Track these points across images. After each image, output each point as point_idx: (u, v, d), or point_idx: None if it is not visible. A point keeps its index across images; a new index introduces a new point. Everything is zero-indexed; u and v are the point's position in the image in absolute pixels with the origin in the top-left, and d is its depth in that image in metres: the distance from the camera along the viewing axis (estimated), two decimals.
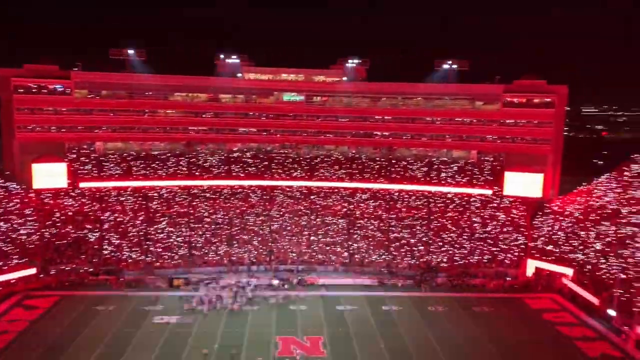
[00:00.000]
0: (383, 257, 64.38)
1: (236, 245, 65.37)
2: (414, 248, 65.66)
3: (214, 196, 70.49)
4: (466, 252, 64.67)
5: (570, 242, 62.28)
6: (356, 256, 64.51)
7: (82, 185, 66.90)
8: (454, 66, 75.61)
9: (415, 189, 72.35)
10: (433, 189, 72.07)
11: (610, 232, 61.19)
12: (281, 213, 69.90)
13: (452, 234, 67.17)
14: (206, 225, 67.29)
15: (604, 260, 57.10)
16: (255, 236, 66.68)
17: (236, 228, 67.56)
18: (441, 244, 65.98)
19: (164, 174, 70.72)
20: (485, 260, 63.44)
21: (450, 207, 70.46)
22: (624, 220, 61.98)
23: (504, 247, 64.69)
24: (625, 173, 69.70)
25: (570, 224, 65.21)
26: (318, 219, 69.25)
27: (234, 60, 75.83)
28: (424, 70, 78.03)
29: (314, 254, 64.71)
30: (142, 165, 70.81)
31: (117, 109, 70.33)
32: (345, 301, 53.93)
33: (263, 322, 48.26)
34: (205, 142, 74.78)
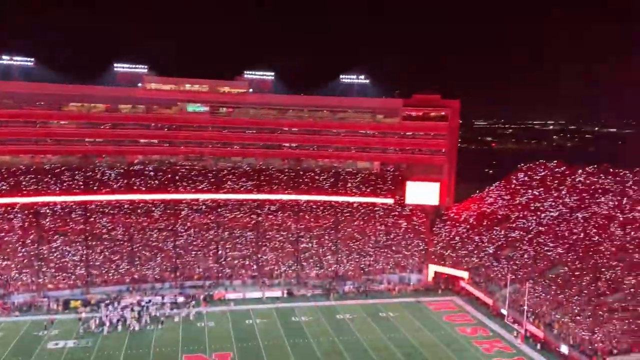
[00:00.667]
0: (292, 268, 64.57)
1: (138, 262, 62.45)
2: (322, 258, 66.52)
3: (113, 211, 66.93)
4: (372, 259, 66.62)
5: (466, 246, 66.35)
6: (265, 268, 64.13)
7: None
8: (359, 79, 78.50)
9: (322, 199, 73.53)
10: (340, 199, 73.66)
11: (501, 236, 66.07)
12: (186, 227, 67.83)
13: (358, 243, 68.92)
14: (105, 243, 63.64)
15: (496, 263, 61.44)
16: (159, 252, 64.11)
17: (138, 244, 64.57)
18: (348, 252, 67.46)
19: (57, 189, 66.10)
20: (390, 267, 65.72)
21: (356, 216, 72.38)
22: (512, 225, 67.24)
23: (407, 253, 67.45)
24: (513, 181, 75.77)
25: (465, 230, 69.53)
26: (225, 233, 68.04)
27: (133, 69, 73.02)
28: (330, 83, 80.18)
29: (222, 268, 63.43)
30: (32, 180, 65.76)
31: (4, 120, 65.09)
32: (255, 315, 53.35)
33: (169, 341, 46.39)
34: (103, 155, 71.06)
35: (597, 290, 49.50)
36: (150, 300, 55.00)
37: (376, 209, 73.50)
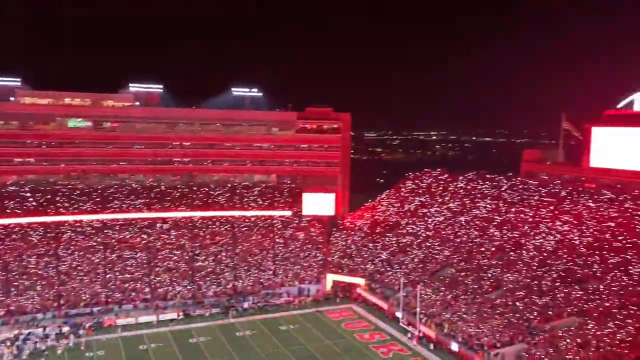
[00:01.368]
0: (188, 287, 62.22)
1: (15, 292, 56.70)
2: (220, 275, 64.86)
3: None
4: (271, 273, 66.18)
5: (362, 254, 68.28)
6: (159, 290, 61.13)
7: None
8: (251, 92, 78.28)
9: (219, 214, 71.98)
10: (236, 213, 72.58)
11: (393, 242, 68.82)
12: (70, 251, 62.90)
13: (257, 257, 68.16)
14: None
15: (389, 268, 63.82)
16: (39, 280, 58.73)
17: (14, 273, 58.69)
18: (247, 268, 66.43)
19: None
20: (289, 279, 65.70)
21: (254, 230, 71.66)
22: (403, 231, 70.36)
23: (305, 264, 67.90)
24: (402, 189, 79.47)
25: (360, 238, 71.59)
26: (114, 255, 64.01)
27: (4, 82, 66.96)
28: (222, 96, 79.19)
29: (111, 293, 59.46)
30: None
31: None
32: (149, 339, 50.57)
33: None
34: None
35: (481, 289, 53.13)
36: (30, 333, 50.12)
37: (274, 221, 73.33)
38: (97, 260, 62.73)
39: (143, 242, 66.62)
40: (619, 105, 63.03)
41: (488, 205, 67.03)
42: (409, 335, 50.56)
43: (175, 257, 65.69)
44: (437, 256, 62.36)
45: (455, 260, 60.13)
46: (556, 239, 56.15)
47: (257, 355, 47.01)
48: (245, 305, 60.15)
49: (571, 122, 71.19)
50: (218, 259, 66.89)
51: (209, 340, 50.82)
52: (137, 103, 73.86)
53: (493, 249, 59.31)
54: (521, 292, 49.84)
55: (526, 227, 60.09)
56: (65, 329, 51.86)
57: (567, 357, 39.03)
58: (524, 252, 56.38)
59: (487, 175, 73.46)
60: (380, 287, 61.61)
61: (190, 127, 75.59)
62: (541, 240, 56.97)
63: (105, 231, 66.24)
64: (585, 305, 44.85)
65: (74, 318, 54.57)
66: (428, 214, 71.06)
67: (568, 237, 55.56)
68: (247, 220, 72.57)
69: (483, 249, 60.03)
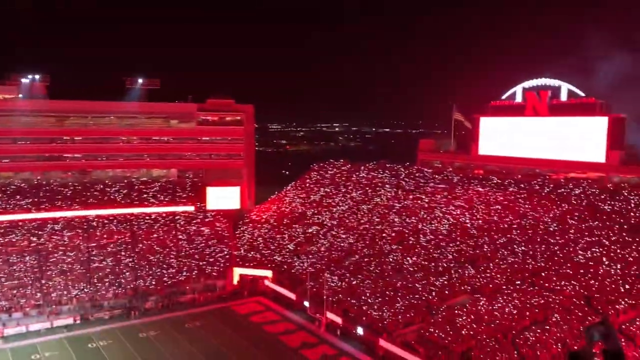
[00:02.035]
0: (85, 290, 58.69)
1: None
2: (119, 276, 61.82)
3: None
4: (174, 270, 64.20)
5: (269, 246, 68.30)
6: (52, 295, 57.07)
7: None
8: (149, 85, 74.86)
9: (116, 212, 68.48)
10: (135, 210, 69.47)
11: (300, 232, 69.56)
12: None
13: (159, 255, 65.75)
14: None
15: (297, 258, 64.46)
16: None
17: None
18: (148, 266, 63.90)
19: None
20: (194, 276, 64.16)
21: (155, 227, 69.04)
22: (309, 221, 71.33)
23: (211, 259, 66.63)
24: (307, 180, 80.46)
25: (267, 230, 71.56)
26: None
27: None
28: (116, 88, 75.14)
29: None
30: None
31: None
32: (43, 348, 47.13)
33: None
34: None
35: (383, 273, 55.32)
36: None
37: (177, 217, 71.13)
38: None
39: (32, 244, 61.77)
40: (503, 97, 68.10)
41: (388, 193, 69.82)
42: (317, 323, 51.50)
43: (70, 259, 61.64)
44: (342, 244, 63.96)
45: (359, 247, 62.03)
46: (450, 222, 59.78)
47: (162, 355, 45.57)
48: (148, 305, 57.93)
49: (462, 113, 75.84)
50: (117, 258, 63.68)
51: (109, 343, 48.38)
52: (21, 95, 68.01)
53: (393, 234, 61.91)
54: (420, 274, 52.56)
55: (423, 213, 63.37)
56: None
57: (462, 332, 41.80)
58: (421, 236, 59.44)
59: (387, 165, 76.46)
60: (287, 278, 62.04)
61: (81, 120, 71.00)
62: (436, 224, 60.38)
63: None
64: (477, 284, 48.25)
65: None
66: (333, 203, 72.59)
67: (460, 220, 59.37)
68: (147, 217, 69.73)
69: (384, 235, 62.46)
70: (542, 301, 42.24)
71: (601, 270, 43.72)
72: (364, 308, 50.04)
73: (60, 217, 65.47)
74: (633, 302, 38.96)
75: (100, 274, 60.98)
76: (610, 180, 56.80)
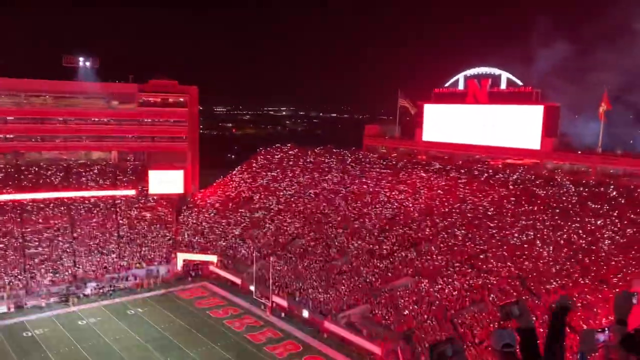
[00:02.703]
0: (19, 277, 56.11)
1: None
2: (57, 262, 59.47)
3: None
4: (115, 256, 62.42)
5: (214, 231, 67.52)
6: None
7: None
8: (86, 63, 71.53)
9: (52, 196, 65.64)
10: (73, 194, 66.83)
11: (246, 217, 69.14)
12: None
13: (99, 240, 63.66)
14: None
15: (242, 243, 64.13)
16: None
17: None
18: (88, 252, 61.79)
19: None
20: (136, 262, 62.62)
21: (95, 211, 66.71)
22: (256, 206, 70.98)
23: (154, 245, 65.21)
24: (253, 164, 79.86)
25: (212, 215, 70.66)
26: None
27: None
28: (52, 66, 71.49)
29: None
30: None
31: None
32: None
33: None
34: None
35: (329, 257, 55.97)
36: None
37: (117, 202, 68.97)
38: None
39: None
40: (447, 84, 69.76)
41: (334, 178, 70.39)
42: (262, 307, 51.60)
43: (2, 245, 58.70)
44: (288, 229, 64.08)
45: (305, 231, 62.36)
46: (394, 207, 61.05)
47: (104, 342, 44.42)
48: (88, 291, 56.14)
49: (407, 99, 77.11)
50: (54, 244, 61.20)
51: (46, 332, 46.63)
52: None
53: (339, 218, 62.60)
54: (364, 257, 53.53)
55: (368, 197, 64.37)
56: None
57: (404, 313, 43.05)
58: (366, 220, 60.42)
59: (334, 150, 76.95)
60: (233, 262, 61.70)
61: (13, 99, 67.18)
62: (381, 208, 61.52)
63: None
64: (419, 266, 49.68)
65: None
66: (279, 188, 72.45)
67: (404, 204, 60.75)
68: (86, 201, 67.23)
69: (330, 219, 63.05)
70: (480, 282, 44.05)
71: (535, 253, 45.99)
72: (310, 291, 50.55)
73: None
74: (563, 282, 41.27)
75: (35, 260, 58.48)
76: (544, 166, 59.58)
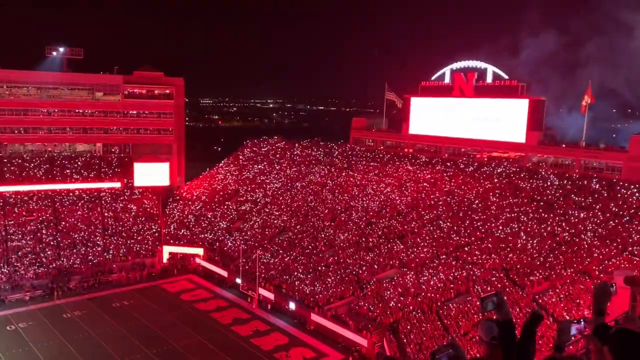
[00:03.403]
0: (2, 271, 55.48)
1: None
2: (41, 255, 58.88)
3: None
4: (100, 249, 61.96)
5: (200, 223, 67.26)
6: None
7: None
8: (72, 55, 70.62)
9: (36, 189, 64.86)
10: (57, 187, 66.08)
11: (232, 210, 68.95)
12: None
13: (83, 233, 63.12)
14: None
15: (229, 236, 63.98)
16: None
17: None
18: (72, 245, 61.24)
19: None
20: (122, 255, 62.24)
21: (79, 204, 66.08)
22: (242, 198, 70.81)
23: (139, 238, 64.80)
24: (240, 157, 79.57)
25: (198, 207, 70.36)
26: None
27: None
28: (35, 57, 70.41)
29: None
30: None
31: None
32: None
33: None
34: None
35: (316, 249, 56.08)
36: None
37: (102, 194, 68.36)
38: None
39: None
40: (433, 78, 69.99)
41: (322, 171, 70.42)
42: (249, 299, 51.62)
43: None
44: (275, 221, 64.05)
45: (292, 224, 62.38)
46: (380, 199, 61.29)
47: (90, 336, 44.15)
48: (72, 284, 55.69)
49: (394, 93, 77.28)
50: (37, 237, 60.56)
51: (30, 325, 46.22)
52: None
53: (326, 211, 62.71)
54: (351, 250, 53.73)
55: (355, 190, 64.53)
56: None
57: (390, 305, 43.35)
58: (353, 213, 60.60)
59: (321, 142, 76.92)
60: (219, 255, 61.54)
61: None
62: (367, 201, 61.73)
63: None
64: (405, 258, 49.99)
65: None
66: (266, 180, 72.30)
67: (390, 197, 61.01)
68: (70, 193, 66.55)
69: (317, 211, 63.14)
70: (465, 274, 44.48)
71: (519, 245, 46.53)
72: (296, 284, 50.66)
73: None
74: (547, 274, 41.84)
75: (19, 253, 57.85)
76: (529, 159, 60.19)
